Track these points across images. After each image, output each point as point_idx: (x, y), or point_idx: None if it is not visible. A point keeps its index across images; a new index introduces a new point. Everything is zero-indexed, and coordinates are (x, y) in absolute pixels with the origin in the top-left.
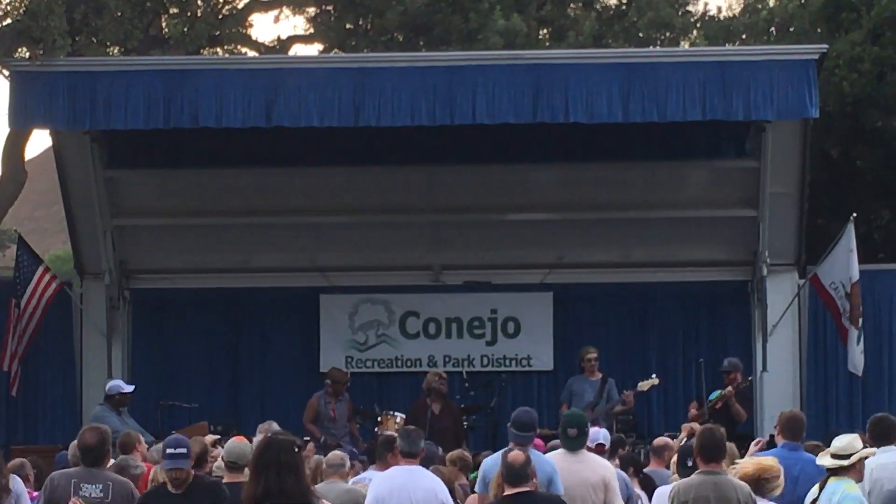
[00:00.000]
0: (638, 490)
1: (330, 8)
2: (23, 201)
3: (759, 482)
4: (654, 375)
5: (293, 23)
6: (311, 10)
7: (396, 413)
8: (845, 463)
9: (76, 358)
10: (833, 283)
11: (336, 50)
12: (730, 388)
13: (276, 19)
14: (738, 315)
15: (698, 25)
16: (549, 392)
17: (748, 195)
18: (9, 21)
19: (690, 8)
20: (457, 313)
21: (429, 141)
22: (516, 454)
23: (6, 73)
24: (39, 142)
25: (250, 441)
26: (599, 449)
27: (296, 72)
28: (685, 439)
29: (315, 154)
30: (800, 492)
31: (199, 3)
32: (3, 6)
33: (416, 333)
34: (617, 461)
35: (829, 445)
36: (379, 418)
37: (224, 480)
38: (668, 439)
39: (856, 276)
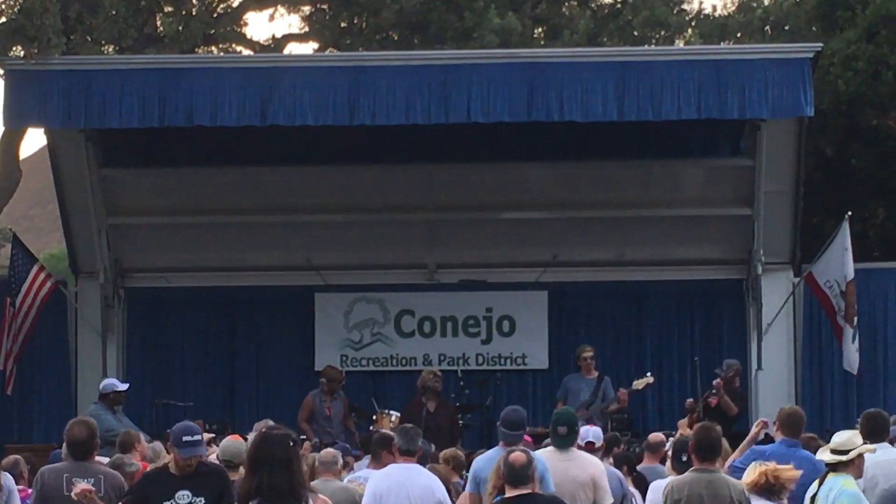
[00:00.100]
0: (631, 488)
1: (325, 6)
2: (18, 200)
3: (777, 489)
4: (648, 374)
5: (288, 21)
6: (306, 9)
7: (392, 411)
8: (844, 458)
9: (71, 357)
10: (828, 282)
11: (331, 48)
12: (718, 380)
13: (271, 18)
14: (733, 313)
15: (693, 24)
16: (544, 391)
17: (743, 194)
18: (3, 20)
19: (685, 6)
20: (452, 312)
21: (424, 139)
22: (518, 455)
23: (1, 72)
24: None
25: (245, 440)
26: (589, 447)
27: (291, 70)
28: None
29: (310, 153)
30: (796, 489)
31: (194, 1)
32: None
33: (412, 332)
34: (611, 459)
35: (824, 439)
36: (374, 416)
37: None
38: (662, 435)
39: (851, 274)
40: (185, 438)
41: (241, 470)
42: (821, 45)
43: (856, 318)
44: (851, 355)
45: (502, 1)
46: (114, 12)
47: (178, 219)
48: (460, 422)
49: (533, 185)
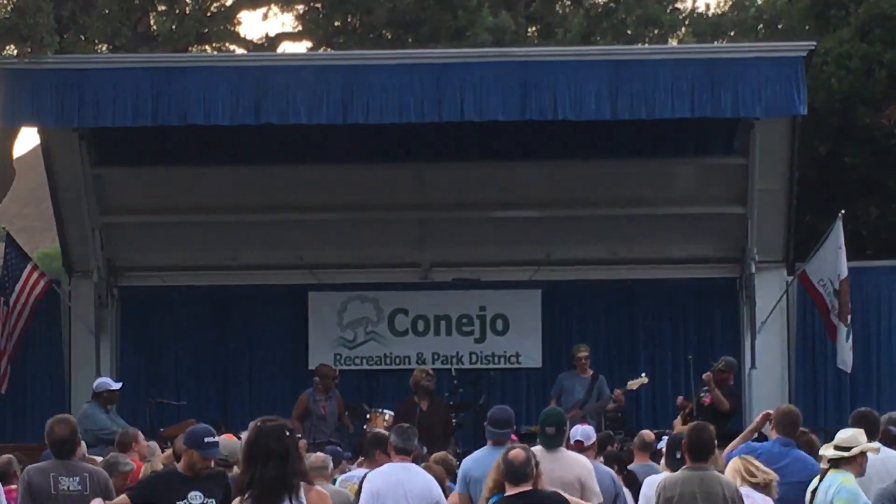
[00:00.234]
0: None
1: (318, 5)
2: (11, 199)
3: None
4: (643, 374)
5: (281, 20)
6: (300, 8)
7: (385, 410)
8: (846, 455)
9: (64, 355)
10: (821, 280)
11: (324, 47)
12: (708, 374)
13: (265, 17)
14: (727, 312)
15: (687, 22)
16: (537, 389)
17: (736, 192)
18: None
19: (679, 5)
20: (445, 311)
21: (417, 138)
22: (517, 452)
23: None
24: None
25: (239, 438)
26: (578, 445)
27: (284, 69)
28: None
29: (303, 151)
30: (783, 483)
31: (187, 0)
32: None
33: (405, 331)
34: (601, 458)
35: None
36: (368, 415)
37: None
38: (652, 433)
39: (844, 272)
40: (207, 440)
41: (236, 469)
42: (814, 43)
43: (849, 317)
44: (845, 354)
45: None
46: (107, 11)
47: (172, 218)
48: (454, 420)
49: (527, 183)
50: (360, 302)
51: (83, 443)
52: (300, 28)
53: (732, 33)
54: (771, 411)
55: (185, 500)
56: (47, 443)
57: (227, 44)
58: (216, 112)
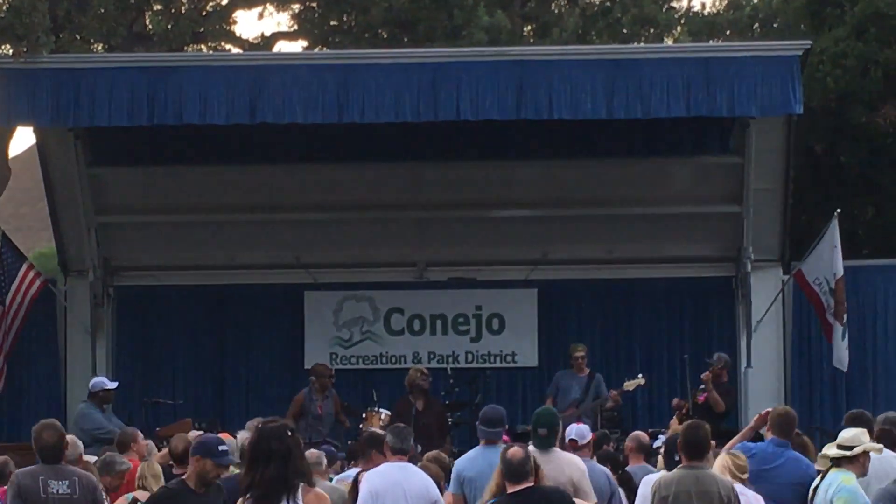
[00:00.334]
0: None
1: (314, 4)
2: (7, 199)
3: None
4: (640, 375)
5: (277, 20)
6: (295, 7)
7: (381, 409)
8: (848, 454)
9: (60, 355)
10: (817, 279)
11: (320, 47)
12: (707, 373)
13: (260, 16)
14: (723, 311)
15: (682, 22)
16: (533, 388)
17: (732, 191)
18: None
19: (674, 4)
20: (441, 310)
21: (413, 137)
22: (515, 451)
23: None
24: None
25: (234, 438)
26: (572, 444)
27: (280, 68)
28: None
29: (299, 151)
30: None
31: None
32: None
33: (401, 330)
34: (594, 458)
35: (813, 436)
36: (364, 414)
37: None
38: (645, 434)
39: (840, 271)
40: (221, 448)
41: (231, 469)
42: (810, 42)
43: (845, 316)
44: (841, 353)
45: None
46: (102, 10)
47: (168, 217)
48: (449, 420)
49: (523, 183)
50: (356, 301)
51: (79, 443)
52: (296, 27)
53: (728, 32)
54: (770, 409)
55: None
56: (35, 448)
57: (222, 43)
58: (212, 111)
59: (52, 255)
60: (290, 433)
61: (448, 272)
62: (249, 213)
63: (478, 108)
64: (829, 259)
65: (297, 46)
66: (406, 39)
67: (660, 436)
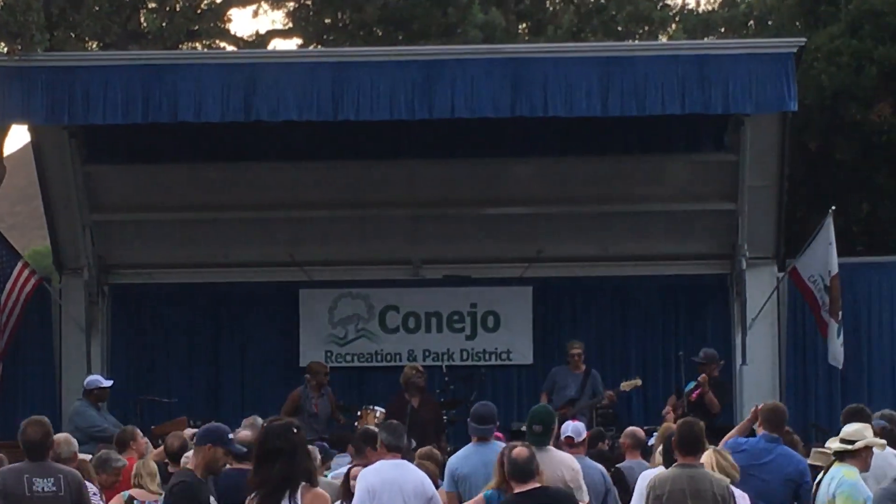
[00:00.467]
0: None
1: (308, 2)
2: (2, 197)
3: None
4: (637, 377)
5: (272, 17)
6: (290, 5)
7: (376, 407)
8: (850, 448)
9: (55, 353)
10: (812, 276)
11: (315, 44)
12: (703, 375)
13: (255, 14)
14: (718, 308)
15: (677, 19)
16: (528, 386)
17: (727, 188)
18: None
19: (669, 2)
20: (436, 307)
21: (408, 135)
22: (520, 450)
23: None
24: (18, 137)
25: None
26: (568, 441)
27: (274, 66)
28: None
29: (294, 148)
30: (767, 479)
31: None
32: None
33: (396, 328)
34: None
35: (809, 433)
36: (359, 412)
37: None
38: (641, 430)
39: (835, 269)
40: (230, 435)
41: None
42: (804, 39)
43: (840, 313)
44: (836, 350)
45: None
46: (97, 8)
47: (162, 215)
48: (444, 417)
49: (517, 180)
50: (351, 299)
51: (74, 441)
52: (290, 25)
53: (723, 30)
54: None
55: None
56: (20, 444)
57: (217, 41)
58: (206, 109)
59: (47, 254)
60: (295, 430)
61: (443, 270)
62: (244, 211)
63: (472, 106)
64: (823, 256)
65: (292, 44)
66: (401, 37)
67: (654, 434)
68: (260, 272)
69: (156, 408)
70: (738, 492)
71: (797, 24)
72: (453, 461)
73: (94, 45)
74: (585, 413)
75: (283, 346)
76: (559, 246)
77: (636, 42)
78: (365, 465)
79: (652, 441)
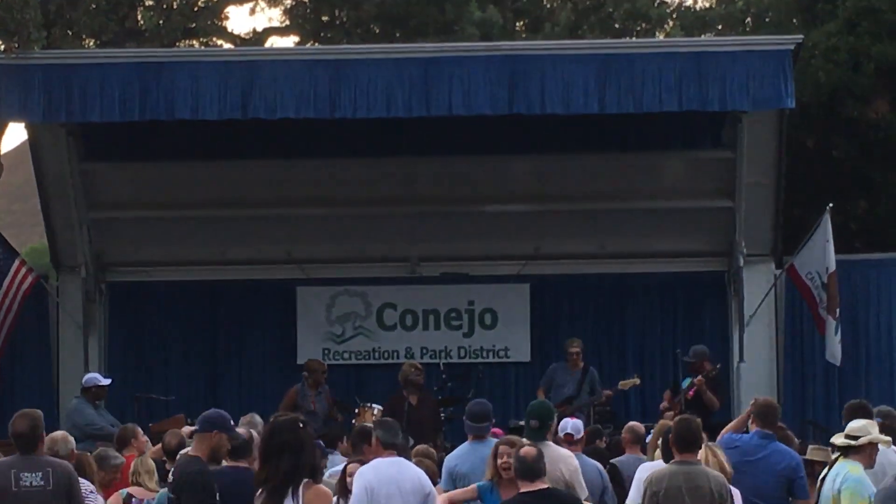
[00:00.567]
0: None
1: (305, 0)
2: None
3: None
4: (635, 375)
5: (269, 15)
6: (287, 2)
7: (374, 405)
8: (854, 443)
9: (52, 351)
10: (809, 274)
11: (312, 42)
12: (699, 377)
13: (252, 12)
14: (715, 305)
15: (674, 16)
16: (526, 383)
17: (724, 186)
18: None
19: None
20: (434, 305)
21: (405, 133)
22: (528, 449)
23: None
24: (15, 135)
25: None
26: (568, 438)
27: (271, 64)
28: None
29: (291, 146)
30: (761, 475)
31: None
32: None
33: (394, 325)
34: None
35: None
36: (357, 410)
37: None
38: (641, 426)
39: (832, 266)
40: (232, 422)
41: (223, 462)
42: (801, 37)
43: (838, 310)
44: (834, 347)
45: None
46: (94, 6)
47: (160, 213)
48: (442, 415)
49: (515, 178)
50: (349, 296)
51: (71, 438)
52: (287, 23)
53: (720, 27)
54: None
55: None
56: (10, 438)
57: (214, 39)
58: (204, 107)
59: (45, 251)
60: (302, 425)
61: (440, 267)
62: (241, 209)
63: (470, 103)
64: (821, 253)
65: (289, 42)
66: (398, 34)
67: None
68: (257, 270)
69: (153, 405)
70: (732, 489)
71: (794, 21)
72: (451, 459)
73: (91, 43)
74: (583, 411)
75: (281, 344)
76: (556, 243)
77: (633, 39)
78: (362, 463)
79: (648, 438)
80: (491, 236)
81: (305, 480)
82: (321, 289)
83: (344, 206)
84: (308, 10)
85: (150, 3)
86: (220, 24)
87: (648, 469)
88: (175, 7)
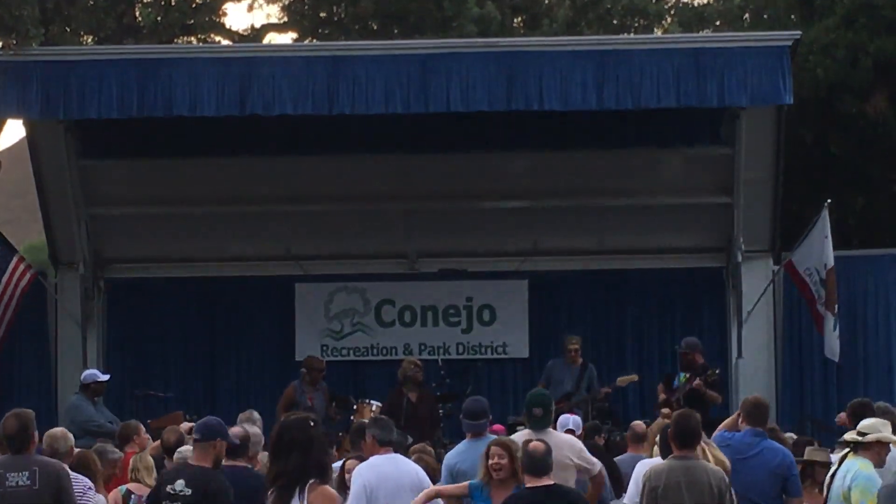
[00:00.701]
0: None
1: None
2: None
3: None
4: (634, 373)
5: (267, 11)
6: None
7: (372, 401)
8: (861, 440)
9: (51, 348)
10: (808, 270)
11: (310, 38)
12: (697, 381)
13: (250, 8)
14: (713, 302)
15: (672, 12)
16: (524, 379)
17: (722, 182)
18: None
19: None
20: (432, 301)
21: (403, 129)
22: (537, 444)
23: None
24: (14, 131)
25: None
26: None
27: (270, 60)
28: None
29: (289, 142)
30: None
31: None
32: None
33: (392, 321)
34: None
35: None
36: (355, 406)
37: None
38: (643, 424)
39: (830, 262)
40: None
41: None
42: (799, 33)
43: (836, 306)
44: (833, 343)
45: None
46: (92, 2)
47: (158, 209)
48: (440, 411)
49: (513, 174)
50: (347, 293)
51: (70, 435)
52: (286, 19)
53: (718, 23)
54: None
55: None
56: (1, 437)
57: (212, 35)
58: (202, 103)
59: (43, 248)
60: (312, 424)
61: (439, 263)
62: (240, 206)
63: (468, 100)
64: (819, 249)
65: (287, 38)
66: (396, 31)
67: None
68: (255, 266)
69: (151, 402)
70: None
71: (792, 16)
72: (450, 457)
73: (89, 40)
74: (582, 407)
75: (279, 341)
76: (555, 239)
77: (631, 35)
78: (361, 459)
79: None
80: (489, 233)
81: (312, 481)
82: (320, 285)
83: (342, 203)
84: (306, 7)
85: None
86: (218, 20)
87: (647, 465)
88: (173, 4)
